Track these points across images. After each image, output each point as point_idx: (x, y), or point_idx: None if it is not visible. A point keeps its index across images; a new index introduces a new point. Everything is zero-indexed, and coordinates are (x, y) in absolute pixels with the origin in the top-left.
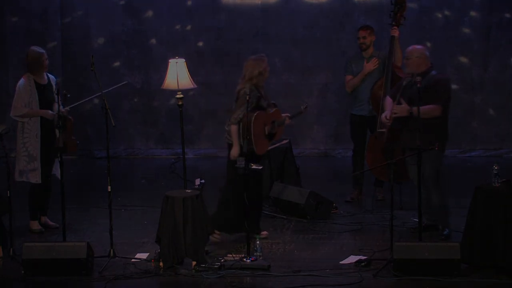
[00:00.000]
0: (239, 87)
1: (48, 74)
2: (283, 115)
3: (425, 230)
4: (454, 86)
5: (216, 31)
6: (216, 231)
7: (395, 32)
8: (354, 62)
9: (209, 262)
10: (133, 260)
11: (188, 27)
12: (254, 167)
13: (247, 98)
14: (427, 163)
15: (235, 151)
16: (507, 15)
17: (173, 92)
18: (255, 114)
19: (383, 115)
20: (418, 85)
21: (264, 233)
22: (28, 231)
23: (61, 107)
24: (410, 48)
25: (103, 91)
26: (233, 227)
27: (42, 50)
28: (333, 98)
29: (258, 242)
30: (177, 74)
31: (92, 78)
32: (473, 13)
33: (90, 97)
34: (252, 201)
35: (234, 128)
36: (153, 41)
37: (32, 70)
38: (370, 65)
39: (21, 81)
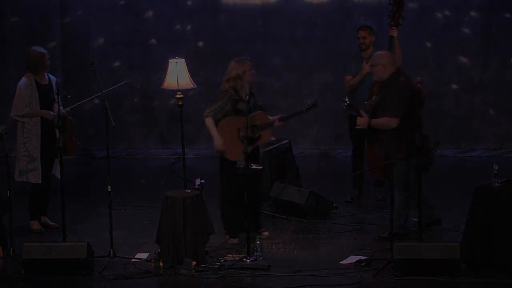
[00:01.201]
0: (221, 87)
1: (49, 74)
2: (272, 117)
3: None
4: (454, 86)
5: (216, 31)
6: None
7: (394, 32)
8: (353, 62)
9: (209, 262)
10: (133, 260)
11: (188, 27)
12: (254, 167)
13: (220, 99)
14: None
15: (216, 143)
16: (507, 15)
17: (173, 92)
18: (221, 121)
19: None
20: (418, 85)
21: (266, 233)
22: (28, 231)
23: (61, 107)
24: (376, 54)
25: (103, 91)
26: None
27: (43, 50)
28: (333, 98)
29: (258, 242)
30: (177, 74)
31: (92, 78)
32: (473, 13)
33: (90, 98)
34: (252, 201)
35: (208, 121)
36: (153, 41)
37: (33, 70)
38: (369, 66)
39: (22, 80)
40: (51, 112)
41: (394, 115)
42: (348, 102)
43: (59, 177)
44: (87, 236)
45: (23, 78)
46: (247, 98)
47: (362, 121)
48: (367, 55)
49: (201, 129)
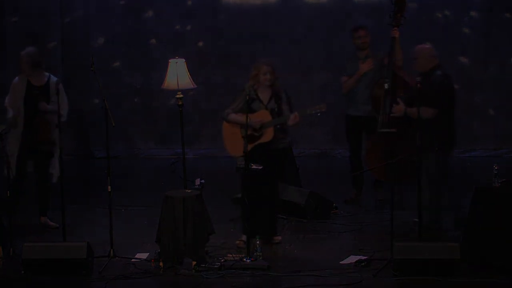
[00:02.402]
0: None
1: (51, 75)
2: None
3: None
4: (454, 86)
5: (216, 31)
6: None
7: (396, 33)
8: (349, 63)
9: (209, 262)
10: (133, 260)
11: (188, 27)
12: (254, 167)
13: (237, 98)
14: (428, 162)
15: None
16: (507, 15)
17: (173, 92)
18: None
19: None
20: (418, 85)
21: (278, 238)
22: (28, 231)
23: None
24: (417, 47)
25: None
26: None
27: (24, 52)
28: (332, 98)
29: (258, 242)
30: (177, 74)
31: (92, 78)
32: (473, 13)
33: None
34: (259, 202)
35: (231, 117)
36: (153, 41)
37: (21, 70)
38: (365, 66)
39: (15, 79)
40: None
41: (430, 106)
42: (388, 84)
43: (54, 179)
44: (87, 236)
45: (17, 77)
46: (247, 98)
47: (398, 109)
48: (363, 55)
49: (201, 129)
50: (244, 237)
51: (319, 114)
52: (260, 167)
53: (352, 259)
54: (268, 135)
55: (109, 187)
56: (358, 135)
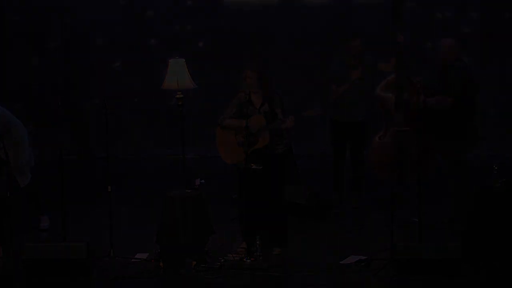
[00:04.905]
0: None
1: None
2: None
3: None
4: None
5: (216, 31)
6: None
7: (401, 39)
8: (338, 70)
9: (209, 262)
10: (133, 260)
11: (188, 27)
12: (254, 167)
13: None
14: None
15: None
16: (507, 15)
17: (173, 92)
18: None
19: None
20: (419, 85)
21: (277, 250)
22: (28, 231)
23: None
24: (443, 39)
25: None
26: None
27: None
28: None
29: (258, 242)
30: (177, 74)
31: (92, 78)
32: (473, 13)
33: None
34: (259, 204)
35: (227, 122)
36: (153, 41)
37: None
38: (357, 73)
39: None
40: None
41: (448, 95)
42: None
43: (21, 184)
44: (87, 236)
45: None
46: (247, 98)
47: (419, 99)
48: (356, 62)
49: (201, 129)
50: (244, 244)
51: (313, 116)
52: (260, 167)
53: (352, 259)
54: (264, 140)
55: (109, 187)
56: (343, 141)
